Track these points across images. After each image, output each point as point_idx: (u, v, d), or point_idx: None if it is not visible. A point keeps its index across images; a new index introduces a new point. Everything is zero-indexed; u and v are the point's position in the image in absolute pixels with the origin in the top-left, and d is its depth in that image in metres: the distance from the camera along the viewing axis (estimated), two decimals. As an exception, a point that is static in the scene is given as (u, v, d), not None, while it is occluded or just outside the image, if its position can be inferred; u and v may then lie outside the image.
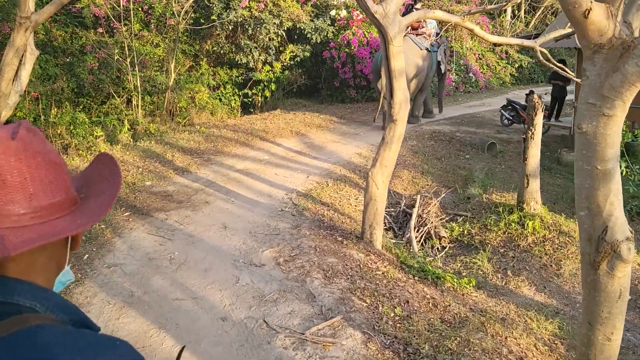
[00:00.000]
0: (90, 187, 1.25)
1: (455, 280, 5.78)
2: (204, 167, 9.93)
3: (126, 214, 7.52)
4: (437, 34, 13.86)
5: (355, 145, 11.57)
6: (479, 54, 20.75)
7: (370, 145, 11.62)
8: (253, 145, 11.45)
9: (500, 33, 21.06)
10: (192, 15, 14.29)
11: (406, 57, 14.46)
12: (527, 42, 6.07)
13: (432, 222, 7.66)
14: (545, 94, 13.65)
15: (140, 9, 14.00)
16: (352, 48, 15.71)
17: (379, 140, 12.50)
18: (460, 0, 20.31)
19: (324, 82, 16.75)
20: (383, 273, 5.71)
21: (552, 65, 6.05)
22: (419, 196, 8.37)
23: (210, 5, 14.62)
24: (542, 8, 22.85)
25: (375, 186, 6.11)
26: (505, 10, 22.88)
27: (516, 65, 21.23)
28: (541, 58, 6.00)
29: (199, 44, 15.56)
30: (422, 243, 7.50)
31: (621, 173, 7.95)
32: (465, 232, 7.50)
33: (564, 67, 6.20)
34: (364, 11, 5.68)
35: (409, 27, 14.61)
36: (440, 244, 7.44)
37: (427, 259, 6.98)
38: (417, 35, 13.49)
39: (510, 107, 13.67)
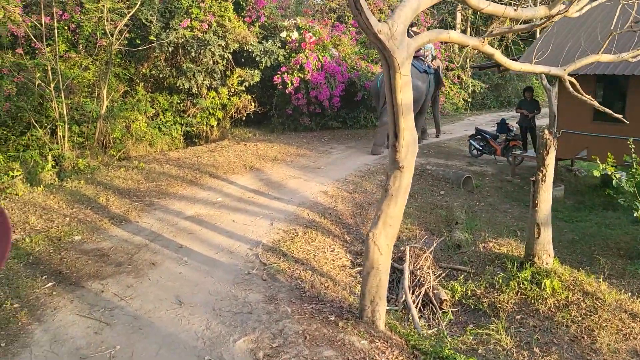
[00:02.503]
0: None
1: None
2: (146, 213, 8.33)
3: (49, 284, 5.88)
4: (433, 57, 13.45)
5: (319, 182, 10.28)
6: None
7: (334, 181, 10.36)
8: (202, 184, 9.93)
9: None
10: (127, 35, 12.66)
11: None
12: (554, 70, 5.02)
13: (428, 282, 6.44)
14: (516, 123, 12.89)
15: (66, 27, 12.26)
16: (306, 73, 14.49)
17: (342, 175, 11.46)
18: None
19: (276, 109, 15.42)
20: (394, 366, 4.41)
21: (582, 97, 4.99)
22: (407, 248, 7.14)
23: (148, 24, 13.05)
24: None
25: (377, 251, 4.81)
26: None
27: (469, 90, 20.70)
28: (570, 89, 4.92)
29: (135, 67, 13.89)
30: (419, 308, 6.25)
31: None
32: (469, 292, 6.32)
33: (604, 108, 5.17)
34: (363, 30, 4.44)
35: None
36: (441, 308, 6.22)
37: (430, 332, 5.72)
38: (414, 57, 12.70)
39: (479, 136, 12.81)
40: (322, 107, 15.01)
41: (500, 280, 6.29)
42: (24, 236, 7.16)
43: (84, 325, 5.02)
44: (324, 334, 4.73)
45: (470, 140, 12.99)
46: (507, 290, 6.12)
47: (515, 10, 5.17)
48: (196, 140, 14.42)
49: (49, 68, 10.82)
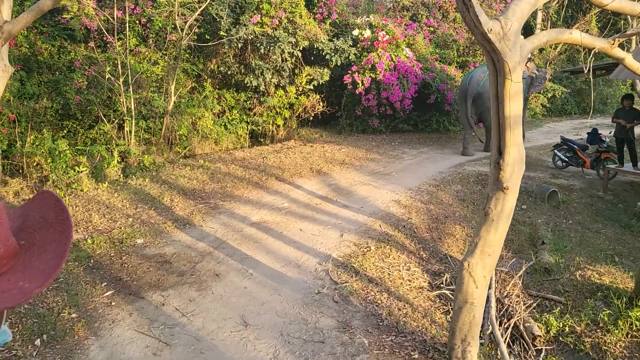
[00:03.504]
0: (31, 233, 1.03)
1: None
2: (210, 217, 7.95)
3: (108, 292, 5.54)
4: (529, 59, 12.52)
5: (390, 190, 9.64)
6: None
7: (407, 189, 9.69)
8: (268, 188, 9.48)
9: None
10: (196, 30, 12.42)
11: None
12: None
13: (518, 313, 5.72)
14: (610, 134, 11.80)
15: (137, 21, 12.13)
16: (378, 73, 13.85)
17: (415, 184, 10.75)
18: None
19: (344, 110, 14.84)
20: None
21: None
22: (493, 272, 6.41)
23: (218, 20, 12.76)
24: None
25: (473, 283, 4.16)
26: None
27: (549, 95, 19.45)
28: None
29: (203, 63, 13.67)
30: (508, 343, 5.54)
31: None
32: (567, 328, 5.56)
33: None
34: (470, 29, 3.80)
35: None
36: (534, 345, 5.48)
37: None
38: None
39: (565, 146, 11.80)
40: (393, 108, 14.32)
41: (606, 318, 5.48)
42: (87, 236, 6.90)
43: (143, 344, 4.61)
44: (407, 376, 4.13)
45: (555, 150, 11.99)
46: (615, 331, 5.32)
47: (644, 7, 4.39)
48: (262, 140, 14.06)
49: (119, 62, 10.67)
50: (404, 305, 5.62)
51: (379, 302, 5.56)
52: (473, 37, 18.39)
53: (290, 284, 5.88)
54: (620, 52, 4.17)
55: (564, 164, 11.81)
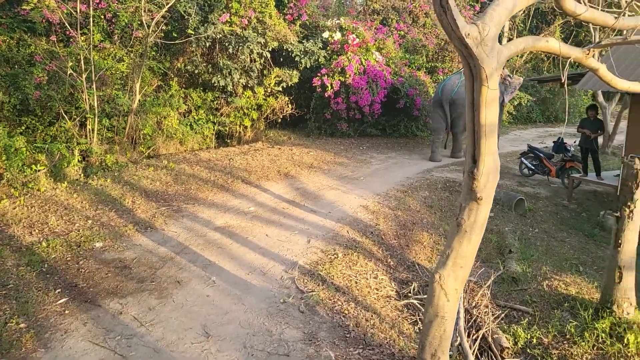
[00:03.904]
0: None
1: None
2: (173, 220, 7.70)
3: (61, 300, 5.27)
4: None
5: (358, 195, 9.53)
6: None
7: (375, 194, 9.61)
8: (234, 190, 9.27)
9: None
10: (164, 27, 12.09)
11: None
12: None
13: (487, 324, 5.66)
14: (575, 143, 11.94)
15: (102, 16, 11.74)
16: (347, 76, 13.77)
17: (383, 189, 10.67)
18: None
19: (313, 113, 14.70)
20: None
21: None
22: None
23: (186, 17, 12.47)
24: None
25: (444, 297, 4.05)
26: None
27: (515, 103, 19.69)
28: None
29: (170, 61, 13.34)
30: (476, 355, 5.47)
31: None
32: (535, 340, 5.52)
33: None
34: (447, 33, 3.69)
35: None
36: (502, 357, 5.43)
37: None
38: None
39: (532, 154, 11.90)
40: (362, 113, 14.26)
41: (573, 330, 5.46)
42: (41, 239, 6.58)
43: (97, 357, 4.37)
44: (374, 391, 4.00)
45: (522, 159, 12.09)
46: (582, 343, 5.30)
47: (616, 17, 4.37)
48: (228, 141, 13.81)
49: (82, 58, 10.29)
50: (372, 316, 5.50)
51: (346, 312, 5.43)
52: (442, 43, 18.55)
53: (254, 292, 5.70)
54: (595, 63, 4.13)
55: (530, 172, 11.91)
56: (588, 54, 4.00)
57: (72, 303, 5.22)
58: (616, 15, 4.39)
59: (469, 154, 4.05)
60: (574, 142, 11.83)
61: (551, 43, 3.95)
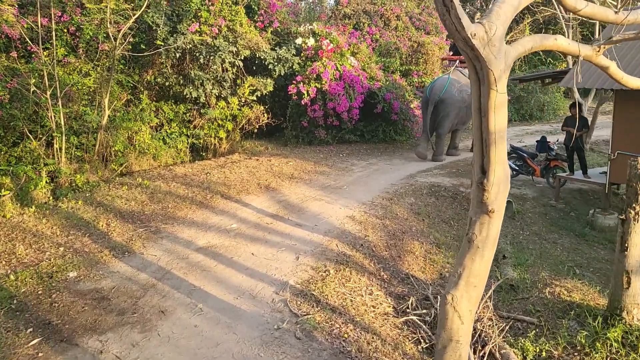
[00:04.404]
0: None
1: None
2: (152, 243, 7.26)
3: (34, 341, 4.80)
4: None
5: (343, 205, 9.20)
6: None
7: (360, 204, 9.29)
8: (214, 207, 8.85)
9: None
10: (131, 39, 11.59)
11: (459, 86, 12.98)
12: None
13: (492, 338, 5.37)
14: (557, 141, 11.82)
15: (65, 30, 11.21)
16: (323, 82, 13.45)
17: (368, 198, 10.32)
18: None
19: (290, 121, 14.33)
20: None
21: None
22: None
23: (154, 28, 12.01)
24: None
25: (458, 319, 3.74)
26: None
27: (489, 103, 19.52)
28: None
29: (139, 74, 12.85)
30: (484, 373, 5.18)
31: None
32: (544, 353, 5.25)
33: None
34: (450, 33, 3.40)
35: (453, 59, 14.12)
36: (511, 374, 5.15)
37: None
38: (463, 66, 13.63)
39: (515, 155, 11.73)
40: (340, 119, 13.96)
41: (584, 340, 5.20)
42: (9, 272, 6.10)
43: (78, 406, 3.93)
44: None
45: (505, 159, 11.90)
46: (594, 354, 5.04)
47: (616, 13, 4.14)
48: (203, 154, 13.35)
49: (46, 73, 9.77)
50: (372, 338, 5.16)
51: (346, 336, 5.07)
52: (415, 46, 18.38)
53: (245, 319, 5.31)
54: (605, 60, 3.89)
55: (514, 172, 11.75)
56: (598, 51, 3.75)
57: (46, 344, 4.77)
58: (616, 10, 4.16)
59: (477, 164, 3.75)
60: (557, 141, 11.70)
61: (560, 41, 3.68)
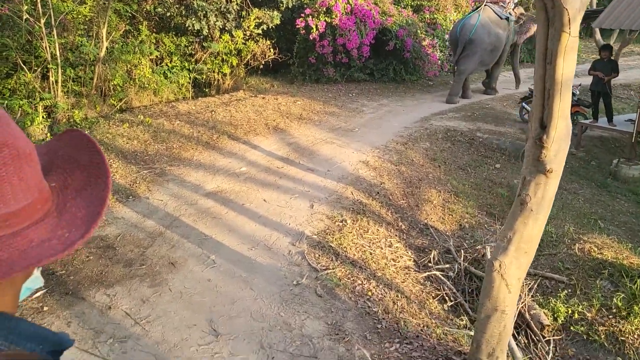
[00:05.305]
0: (62, 175, 0.92)
1: None
2: (157, 186, 6.86)
3: (38, 293, 4.46)
4: (515, 4, 12.78)
5: (356, 149, 8.78)
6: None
7: (374, 148, 8.86)
8: (221, 148, 8.41)
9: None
10: (130, -36, 10.80)
11: (488, 27, 12.33)
12: None
13: (522, 299, 5.09)
14: (579, 85, 11.27)
15: (59, -49, 10.38)
16: (334, 16, 12.71)
17: (381, 141, 9.85)
18: None
19: (297, 58, 13.64)
20: None
21: None
22: (487, 248, 5.73)
23: (154, -48, 11.17)
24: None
25: (505, 288, 3.40)
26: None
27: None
28: None
29: (138, 3, 12.04)
30: (513, 334, 4.91)
31: None
32: (577, 315, 4.98)
33: None
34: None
35: None
36: (542, 335, 4.88)
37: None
38: (494, 3, 13.12)
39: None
40: (350, 56, 13.30)
41: (620, 303, 4.92)
42: (8, 216, 5.68)
43: (86, 370, 3.63)
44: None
45: (523, 104, 11.37)
46: (632, 318, 4.77)
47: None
48: (206, 90, 12.74)
49: (39, 0, 9.06)
50: (397, 296, 4.85)
51: (370, 294, 4.76)
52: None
53: (262, 272, 4.98)
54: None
55: (532, 118, 11.23)
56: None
57: (50, 296, 4.44)
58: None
59: (536, 118, 3.30)
60: (579, 85, 11.16)
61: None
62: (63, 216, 0.84)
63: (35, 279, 0.96)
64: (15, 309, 0.86)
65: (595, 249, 5.90)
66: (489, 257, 5.42)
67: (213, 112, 10.09)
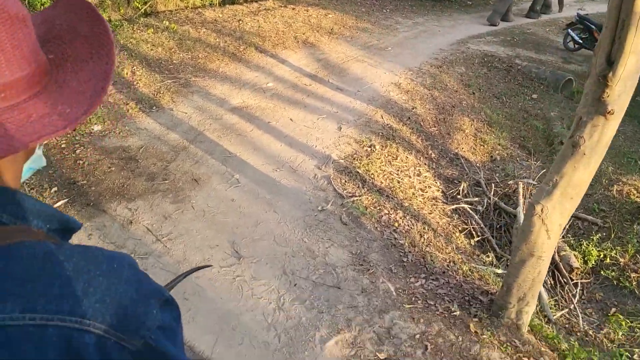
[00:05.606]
0: (60, 45, 0.83)
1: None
2: (181, 98, 6.64)
3: (60, 202, 4.41)
4: None
5: (388, 69, 8.39)
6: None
7: (407, 69, 8.47)
8: (248, 61, 8.08)
9: None
10: None
11: None
12: None
13: (553, 239, 4.91)
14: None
15: None
16: None
17: (415, 63, 9.44)
18: None
19: (330, -34, 12.89)
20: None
21: None
22: (520, 184, 5.50)
23: None
24: None
25: (545, 234, 3.21)
26: None
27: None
28: None
29: None
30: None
31: None
32: (609, 259, 4.82)
33: None
34: None
35: None
36: (570, 277, 4.75)
37: (560, 314, 4.28)
38: None
39: (581, 26, 10.51)
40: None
41: (655, 249, 4.75)
42: (29, 120, 5.55)
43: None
44: (451, 344, 3.28)
45: (569, 30, 10.71)
46: (667, 268, 4.61)
47: None
48: (234, -4, 12.18)
49: None
50: (424, 228, 4.71)
51: (396, 225, 4.62)
52: None
53: (286, 195, 4.84)
54: None
55: (576, 46, 10.63)
56: None
57: (71, 207, 4.37)
58: None
59: (602, 52, 2.97)
60: None
61: None
62: (63, 90, 0.78)
63: (38, 159, 0.90)
64: (18, 183, 0.82)
65: (635, 192, 5.65)
66: (520, 193, 5.23)
67: (240, 22, 9.65)
